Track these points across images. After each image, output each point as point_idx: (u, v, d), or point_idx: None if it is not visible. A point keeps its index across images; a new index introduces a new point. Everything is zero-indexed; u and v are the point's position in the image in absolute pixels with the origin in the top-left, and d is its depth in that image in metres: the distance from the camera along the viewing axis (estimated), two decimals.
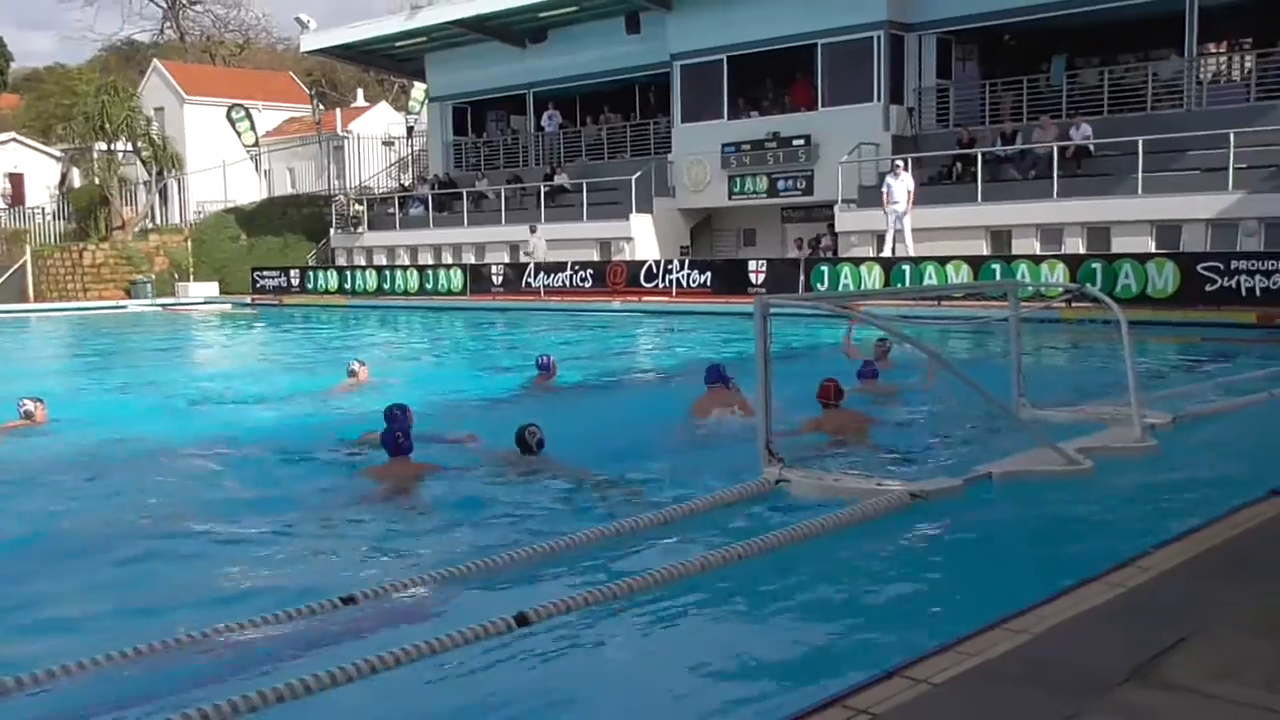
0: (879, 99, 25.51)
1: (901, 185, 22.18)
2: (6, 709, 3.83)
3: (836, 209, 24.86)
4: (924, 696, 3.40)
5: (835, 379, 8.77)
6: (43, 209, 43.27)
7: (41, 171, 49.55)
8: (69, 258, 35.87)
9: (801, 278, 22.46)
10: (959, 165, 23.96)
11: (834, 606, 5.14)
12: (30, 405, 10.15)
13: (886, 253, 22.46)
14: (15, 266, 33.80)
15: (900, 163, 22.80)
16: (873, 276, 21.51)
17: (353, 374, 12.56)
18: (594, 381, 13.62)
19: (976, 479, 6.58)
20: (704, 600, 5.03)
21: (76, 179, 44.03)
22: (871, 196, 24.27)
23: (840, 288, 21.57)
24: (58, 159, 47.23)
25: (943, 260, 20.77)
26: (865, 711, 3.29)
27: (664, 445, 8.80)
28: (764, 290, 21.69)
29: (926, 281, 20.42)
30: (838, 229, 24.96)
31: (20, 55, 68.74)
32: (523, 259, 29.11)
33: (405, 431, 7.35)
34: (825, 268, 22.48)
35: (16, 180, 49.96)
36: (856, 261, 22.39)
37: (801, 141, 26.29)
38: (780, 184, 26.87)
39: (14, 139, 50.96)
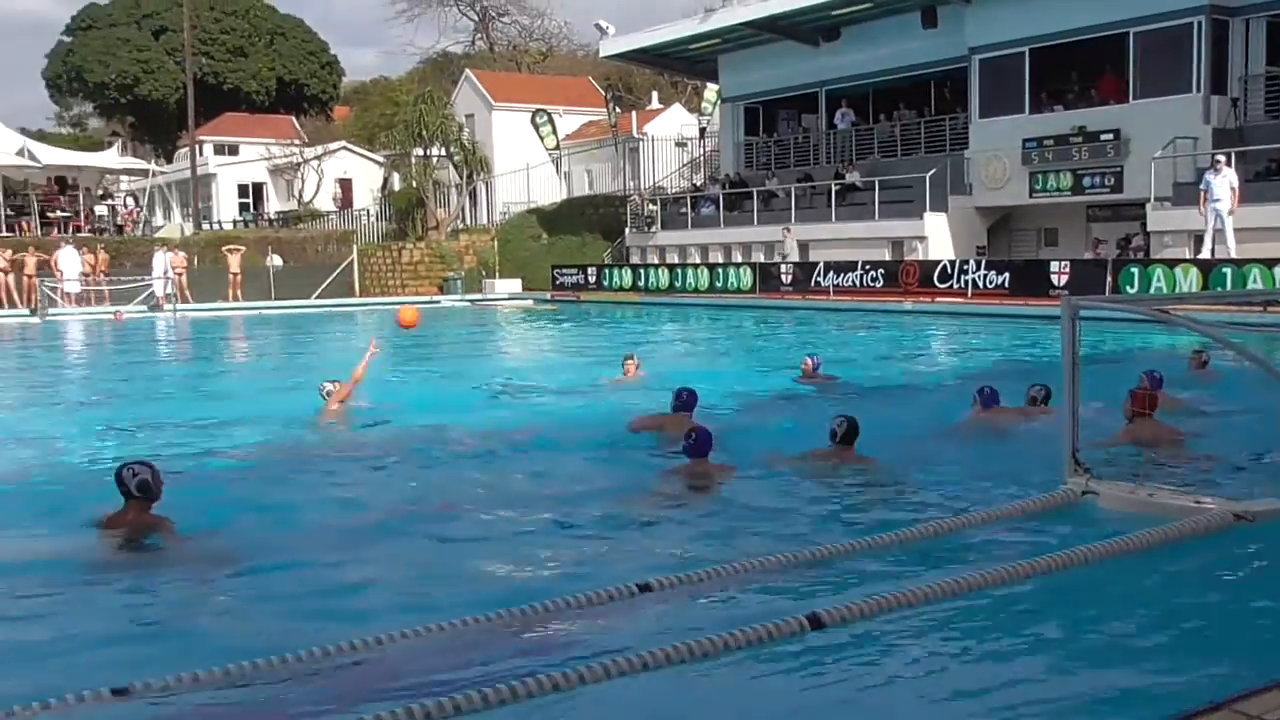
0: (1198, 89, 23.73)
1: (1224, 182, 20.56)
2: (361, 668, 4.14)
3: (1148, 207, 23.34)
4: None
5: (1148, 387, 8.23)
6: (367, 211, 46.72)
7: (367, 176, 53.60)
8: (389, 256, 38.53)
9: (1109, 280, 21.22)
10: None
11: (1147, 629, 4.81)
12: (330, 386, 10.52)
13: (1206, 254, 20.88)
14: (344, 264, 36.55)
15: (1222, 158, 21.11)
16: (1189, 279, 20.07)
17: (624, 369, 12.93)
18: (883, 381, 13.37)
19: None
20: (1004, 612, 4.83)
21: (396, 183, 47.22)
22: (1188, 194, 22.62)
23: (1152, 291, 20.24)
24: (380, 164, 50.87)
25: (1270, 263, 19.10)
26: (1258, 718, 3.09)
27: (952, 450, 8.54)
28: (1067, 292, 20.64)
29: (1250, 285, 18.84)
30: (1150, 228, 23.42)
31: (349, 70, 74.55)
32: (776, 259, 29.33)
33: (703, 438, 7.38)
34: (1135, 269, 21.15)
35: (346, 185, 54.22)
36: (1170, 263, 20.93)
37: (1110, 136, 24.83)
38: (1086, 181, 25.50)
39: (344, 147, 55.33)
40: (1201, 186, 20.92)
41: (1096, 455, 6.82)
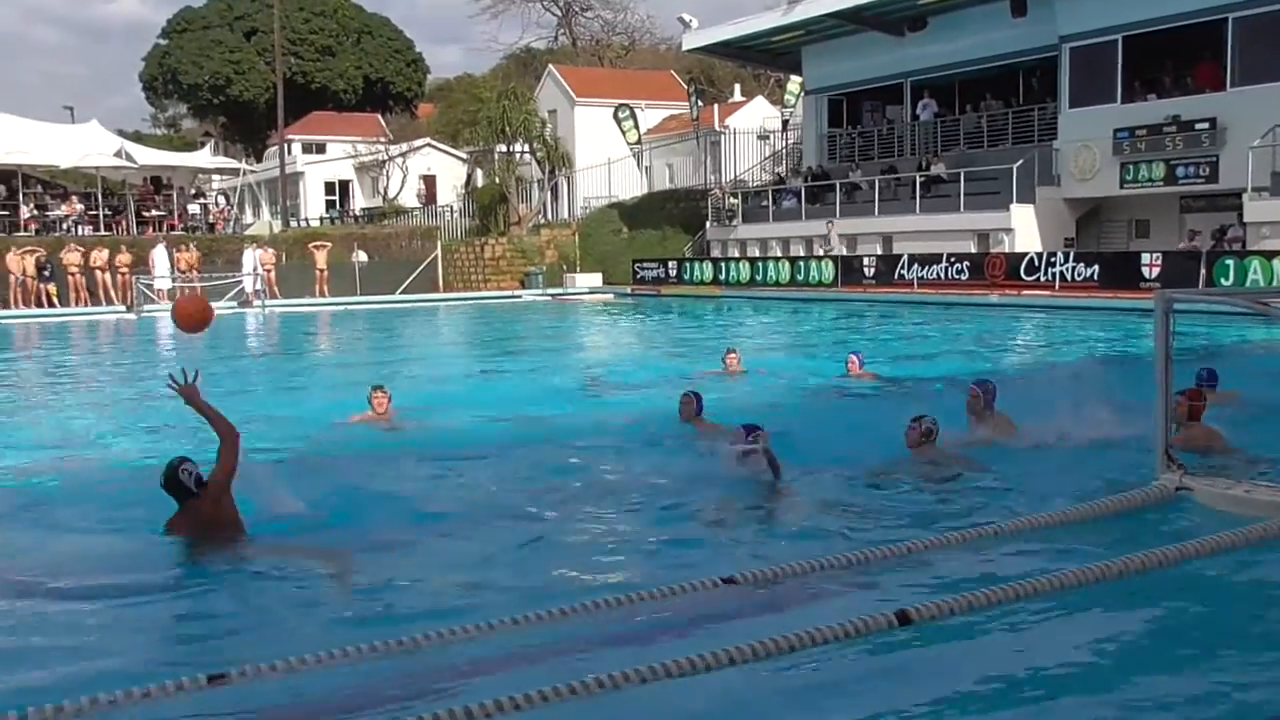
0: None
1: None
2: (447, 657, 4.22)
3: (1245, 197, 22.72)
4: None
5: (1203, 389, 7.94)
6: (451, 207, 47.25)
7: (450, 173, 54.21)
8: (472, 251, 38.93)
9: (1203, 272, 20.71)
10: None
11: (1244, 631, 4.70)
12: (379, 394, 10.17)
13: None
14: (428, 260, 36.98)
15: None
16: None
17: (724, 363, 13.10)
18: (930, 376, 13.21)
19: None
20: (1098, 609, 4.75)
21: (479, 179, 47.67)
22: None
23: (1248, 283, 19.70)
24: (464, 161, 51.37)
25: None
26: None
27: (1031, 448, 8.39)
28: (1160, 285, 20.18)
29: None
30: (1246, 219, 22.81)
31: (434, 68, 75.48)
32: (819, 251, 29.72)
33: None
34: (1231, 261, 20.62)
35: (429, 181, 54.90)
36: (1269, 255, 20.35)
37: (1205, 125, 24.20)
38: (1179, 171, 24.89)
39: (429, 144, 55.99)
40: None
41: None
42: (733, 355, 13.18)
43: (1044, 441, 7.97)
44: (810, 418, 9.96)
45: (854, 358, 12.76)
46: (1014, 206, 27.07)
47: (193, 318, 6.74)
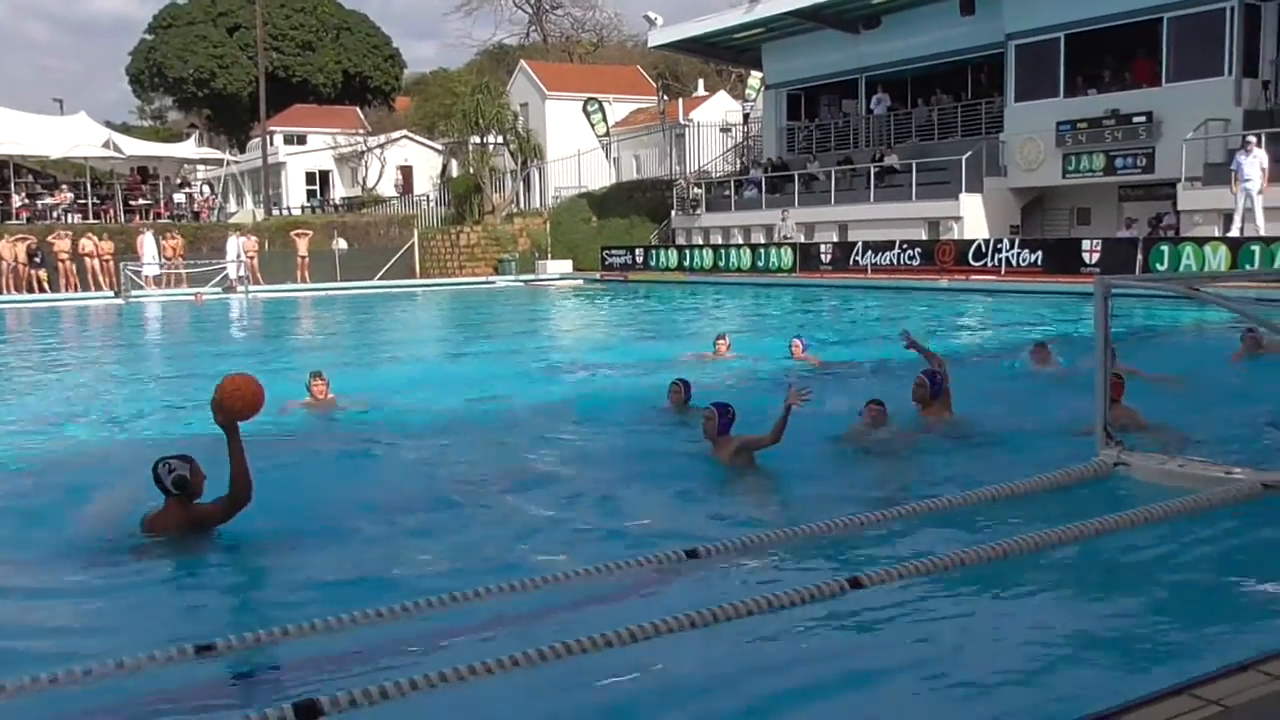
0: (1230, 72, 23.21)
1: (1254, 162, 20.11)
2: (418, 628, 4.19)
3: (1179, 187, 22.90)
4: None
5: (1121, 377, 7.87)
6: (427, 196, 46.94)
7: (426, 164, 53.85)
8: (448, 239, 38.71)
9: (1140, 258, 20.87)
10: None
11: (1175, 595, 4.78)
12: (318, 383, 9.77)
13: (1235, 232, 20.45)
14: (405, 247, 36.76)
15: (1253, 139, 20.64)
16: (1218, 257, 19.68)
17: (715, 348, 12.85)
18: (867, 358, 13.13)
19: None
20: (1036, 578, 4.81)
21: (454, 169, 47.36)
22: (1218, 174, 22.18)
23: (1182, 268, 19.89)
24: (439, 152, 51.04)
25: None
26: (1217, 703, 3.02)
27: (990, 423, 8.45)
28: (1099, 270, 20.35)
29: (1279, 263, 18.46)
30: (1180, 208, 23.00)
31: (410, 62, 74.86)
32: (777, 239, 29.81)
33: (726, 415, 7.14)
34: (1166, 248, 20.79)
35: (406, 172, 54.52)
36: (1200, 241, 20.54)
37: (1143, 118, 24.37)
38: (1118, 162, 25.07)
39: (405, 135, 55.57)
40: (1232, 167, 20.49)
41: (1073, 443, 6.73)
42: (722, 341, 12.86)
43: (983, 429, 7.94)
44: (754, 399, 9.94)
45: (798, 342, 12.52)
46: (963, 196, 27.19)
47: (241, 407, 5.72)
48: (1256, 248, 19.19)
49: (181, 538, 5.62)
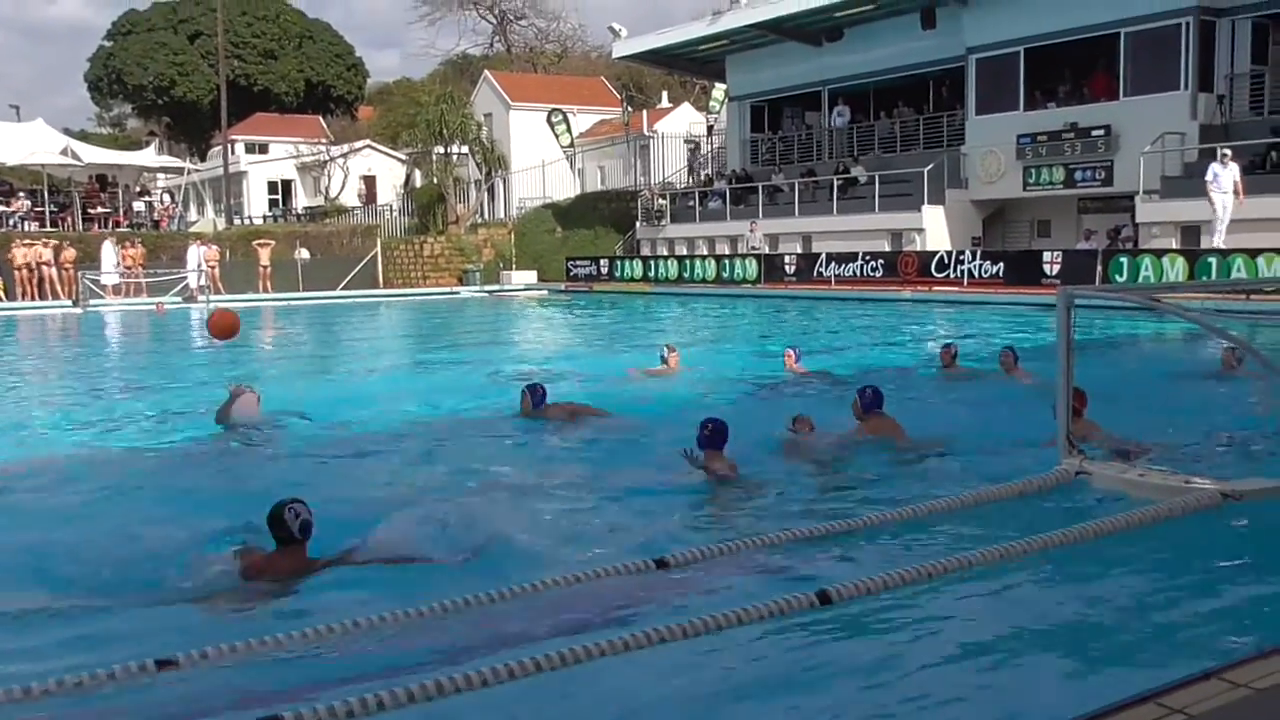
0: (1186, 87, 23.58)
1: (1229, 174, 20.30)
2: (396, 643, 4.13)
3: (1137, 200, 23.21)
4: (1246, 700, 3.12)
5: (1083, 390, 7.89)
6: (390, 206, 46.70)
7: (390, 173, 53.59)
8: (411, 249, 38.53)
9: (1099, 269, 21.12)
10: (1275, 154, 21.80)
11: (1138, 604, 4.81)
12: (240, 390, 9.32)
13: (1218, 243, 20.48)
14: (368, 257, 36.52)
15: (1228, 150, 20.78)
16: (1176, 268, 19.95)
17: (663, 360, 12.51)
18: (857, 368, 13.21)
19: None
20: (1002, 589, 4.83)
21: (418, 179, 47.18)
22: (1175, 187, 22.55)
23: (1140, 279, 20.14)
24: (403, 162, 50.83)
25: (1253, 253, 19.00)
26: (1181, 711, 3.05)
27: (952, 433, 8.50)
28: (1060, 281, 20.55)
29: (1235, 274, 18.73)
30: (1138, 220, 23.31)
31: (373, 72, 74.46)
32: (744, 250, 30.13)
33: (720, 431, 7.09)
34: (1125, 259, 21.04)
35: (370, 181, 54.22)
36: (1158, 253, 20.82)
37: (1101, 132, 24.70)
38: (1078, 175, 25.38)
39: (368, 145, 55.29)
40: (1208, 178, 20.53)
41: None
42: (674, 354, 12.50)
43: (927, 447, 7.83)
44: (742, 410, 9.96)
45: (790, 352, 12.39)
46: (925, 208, 27.40)
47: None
48: (1214, 259, 19.46)
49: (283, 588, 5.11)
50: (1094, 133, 24.86)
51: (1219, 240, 20.44)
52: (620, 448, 8.33)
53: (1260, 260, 18.73)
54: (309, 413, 9.91)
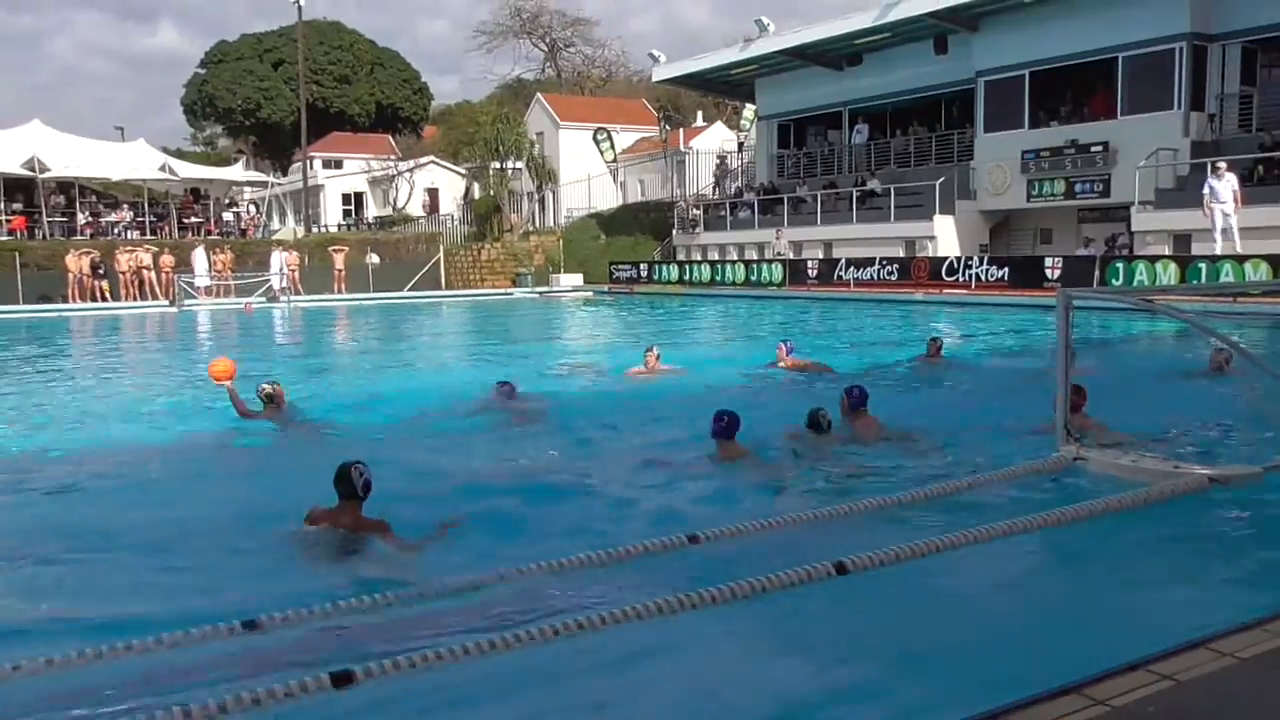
0: (1179, 106, 23.20)
1: (1226, 186, 19.84)
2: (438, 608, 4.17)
3: (1133, 210, 22.87)
4: (1231, 669, 3.08)
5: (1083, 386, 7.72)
6: (452, 216, 46.94)
7: (451, 186, 53.87)
8: (470, 254, 38.70)
9: (1097, 274, 20.83)
10: (1261, 169, 21.39)
11: (1131, 578, 4.74)
12: (269, 388, 8.92)
13: (1219, 250, 19.92)
14: (432, 261, 36.72)
15: (1223, 164, 20.21)
16: (1168, 273, 19.64)
17: (646, 361, 11.70)
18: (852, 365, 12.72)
19: (1278, 467, 5.87)
20: (1001, 564, 4.79)
21: (476, 191, 47.38)
22: (1168, 198, 22.24)
23: (1135, 283, 19.85)
24: (463, 176, 51.07)
25: (1240, 259, 18.66)
26: (1169, 678, 3.02)
27: (957, 422, 8.43)
28: (1061, 285, 20.31)
29: (1223, 279, 18.41)
30: (1134, 228, 22.96)
31: (436, 94, 74.84)
32: (768, 255, 30.03)
33: (731, 421, 6.99)
34: (1121, 265, 20.75)
35: (433, 194, 54.55)
36: (1152, 259, 20.50)
37: (1100, 148, 24.36)
38: (1078, 187, 25.04)
39: (433, 161, 55.63)
40: (1205, 190, 20.03)
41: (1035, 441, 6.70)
42: (651, 354, 11.58)
43: (910, 445, 7.64)
44: (743, 401, 9.84)
45: (783, 346, 11.76)
46: (937, 217, 27.16)
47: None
48: (1204, 265, 19.14)
49: (357, 542, 5.23)
50: (1093, 148, 24.53)
51: (1226, 247, 19.81)
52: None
53: (1247, 265, 18.39)
54: (356, 404, 9.88)
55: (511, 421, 8.82)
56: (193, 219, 37.50)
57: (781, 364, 11.66)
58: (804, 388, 10.60)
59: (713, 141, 44.24)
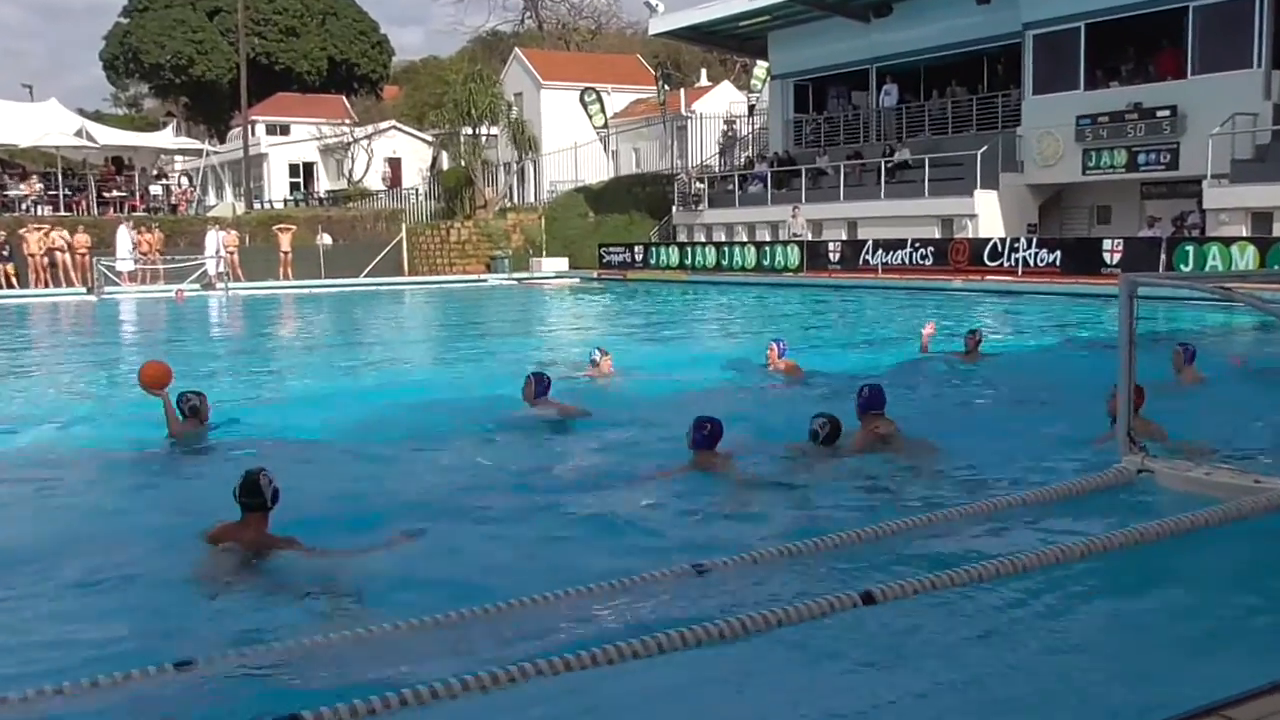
0: (1259, 64, 23.24)
1: None
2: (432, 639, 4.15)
3: (1205, 184, 22.92)
4: None
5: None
6: (416, 190, 46.89)
7: (415, 156, 53.83)
8: (437, 235, 38.70)
9: (1163, 258, 20.90)
10: None
11: (1206, 608, 4.76)
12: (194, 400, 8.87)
13: None
14: (393, 243, 36.70)
15: None
16: (1245, 257, 19.70)
17: (594, 363, 11.68)
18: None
19: None
20: (1061, 590, 4.79)
21: (445, 162, 47.34)
22: (1246, 171, 22.25)
23: (1207, 269, 19.90)
24: (429, 143, 51.03)
25: None
26: None
27: (1004, 426, 8.45)
28: (1122, 270, 20.36)
29: None
30: (1206, 206, 23.02)
31: (398, 49, 74.79)
32: (785, 237, 29.89)
33: (714, 430, 7.06)
34: (1190, 248, 20.81)
35: (395, 164, 54.49)
36: (1227, 241, 20.56)
37: (1166, 112, 24.41)
38: (1141, 158, 25.09)
39: (394, 126, 55.61)
40: None
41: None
42: (606, 357, 11.58)
43: (926, 449, 7.68)
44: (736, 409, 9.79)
45: (774, 346, 11.75)
46: (978, 192, 27.20)
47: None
48: None
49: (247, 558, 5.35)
50: (1159, 113, 24.57)
51: None
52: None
53: None
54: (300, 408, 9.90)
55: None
56: (115, 193, 37.43)
57: (772, 367, 11.65)
58: (796, 394, 10.61)
59: (719, 104, 44.23)
